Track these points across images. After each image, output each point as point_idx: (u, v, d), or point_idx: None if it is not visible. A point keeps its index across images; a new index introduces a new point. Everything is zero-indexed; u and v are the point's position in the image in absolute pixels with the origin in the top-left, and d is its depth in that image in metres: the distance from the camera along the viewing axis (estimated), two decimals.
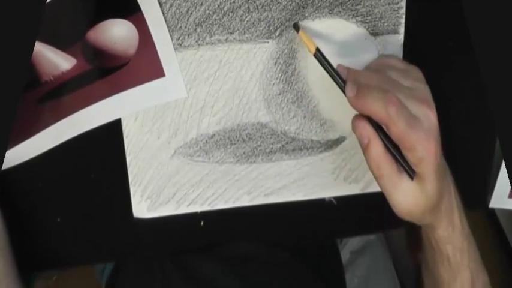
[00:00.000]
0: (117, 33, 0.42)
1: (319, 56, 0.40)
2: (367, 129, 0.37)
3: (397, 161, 0.38)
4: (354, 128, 0.38)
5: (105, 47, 0.43)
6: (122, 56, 0.43)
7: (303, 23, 0.44)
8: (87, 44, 0.43)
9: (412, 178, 0.38)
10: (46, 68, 0.43)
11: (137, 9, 0.42)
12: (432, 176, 0.37)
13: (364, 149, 0.38)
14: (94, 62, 0.43)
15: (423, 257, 0.46)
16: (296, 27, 0.43)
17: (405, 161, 0.37)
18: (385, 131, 0.37)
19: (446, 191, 0.40)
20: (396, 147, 0.37)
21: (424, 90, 0.39)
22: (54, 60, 0.43)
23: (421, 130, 0.36)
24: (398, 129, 0.35)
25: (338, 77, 0.39)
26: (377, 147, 0.37)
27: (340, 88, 0.39)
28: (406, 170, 0.38)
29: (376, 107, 0.36)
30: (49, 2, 0.41)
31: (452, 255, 0.42)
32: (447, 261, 0.42)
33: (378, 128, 0.37)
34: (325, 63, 0.40)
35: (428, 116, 0.37)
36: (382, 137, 0.37)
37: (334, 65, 0.40)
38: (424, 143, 0.36)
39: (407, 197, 0.38)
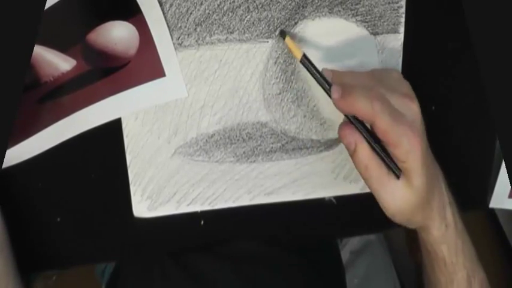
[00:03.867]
0: (117, 34, 0.42)
1: (305, 62, 0.40)
2: (353, 135, 0.38)
3: (384, 161, 0.38)
4: (340, 137, 0.39)
5: (105, 48, 0.43)
6: (123, 57, 0.43)
7: (302, 23, 0.44)
8: (88, 46, 0.43)
9: (398, 177, 0.38)
10: (46, 69, 0.43)
11: (138, 11, 0.42)
12: (419, 170, 0.37)
13: (352, 154, 0.39)
14: (94, 63, 0.43)
15: (423, 264, 0.45)
16: (282, 33, 0.43)
17: (391, 159, 0.38)
18: (370, 135, 0.38)
19: (436, 186, 0.40)
20: (382, 148, 0.38)
21: (405, 85, 0.40)
22: (54, 61, 0.43)
23: (405, 123, 0.36)
24: (383, 123, 0.36)
25: (325, 81, 0.39)
26: (364, 149, 0.38)
27: (327, 93, 0.39)
28: (392, 169, 0.38)
29: (361, 104, 0.36)
30: (50, 6, 0.41)
31: (447, 256, 0.42)
32: (443, 263, 0.42)
33: (364, 130, 0.38)
34: (312, 69, 0.40)
35: (412, 108, 0.38)
36: (368, 139, 0.38)
37: (329, 64, 0.40)
38: (409, 135, 0.36)
39: (396, 196, 0.39)
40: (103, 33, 0.42)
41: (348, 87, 0.37)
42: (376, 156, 0.38)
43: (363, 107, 0.36)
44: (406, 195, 0.38)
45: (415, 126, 0.37)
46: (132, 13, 0.42)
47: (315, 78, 0.40)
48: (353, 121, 0.38)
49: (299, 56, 0.40)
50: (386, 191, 0.39)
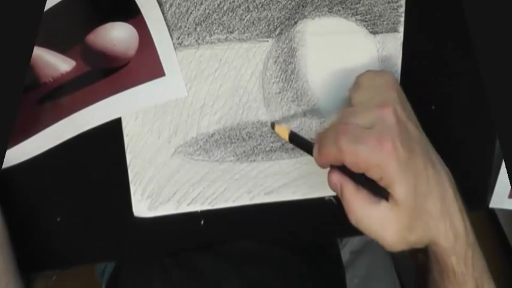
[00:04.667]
0: (116, 35, 0.43)
1: (295, 138, 0.41)
2: (337, 176, 0.38)
3: (370, 190, 0.37)
4: (329, 186, 0.39)
5: (104, 49, 0.43)
6: (122, 58, 0.43)
7: (302, 22, 0.44)
8: (87, 47, 0.43)
9: (387, 199, 0.37)
10: (45, 70, 0.43)
11: (137, 11, 0.42)
12: (397, 178, 0.35)
13: (341, 198, 0.38)
14: (94, 64, 0.43)
15: (430, 273, 0.44)
16: (272, 125, 0.43)
17: (376, 185, 0.37)
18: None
19: (431, 190, 0.38)
20: (366, 178, 0.37)
21: (385, 94, 0.38)
22: (53, 62, 0.43)
23: (371, 138, 0.35)
24: (349, 156, 0.35)
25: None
26: (348, 187, 0.37)
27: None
28: (378, 193, 0.37)
29: (330, 150, 0.36)
30: (50, 7, 0.42)
31: (456, 266, 0.40)
32: (452, 274, 0.40)
33: (346, 169, 0.37)
34: (303, 141, 0.41)
35: (382, 117, 0.36)
36: (350, 174, 0.37)
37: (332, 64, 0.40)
38: (375, 148, 0.35)
39: (385, 221, 0.37)
40: (102, 34, 0.42)
41: (322, 139, 0.37)
42: (363, 190, 0.37)
43: (332, 151, 0.36)
44: (394, 213, 0.37)
45: (384, 134, 0.35)
46: (131, 14, 0.42)
47: (305, 151, 0.40)
48: (334, 165, 0.38)
49: (286, 137, 0.41)
50: (376, 222, 0.37)
